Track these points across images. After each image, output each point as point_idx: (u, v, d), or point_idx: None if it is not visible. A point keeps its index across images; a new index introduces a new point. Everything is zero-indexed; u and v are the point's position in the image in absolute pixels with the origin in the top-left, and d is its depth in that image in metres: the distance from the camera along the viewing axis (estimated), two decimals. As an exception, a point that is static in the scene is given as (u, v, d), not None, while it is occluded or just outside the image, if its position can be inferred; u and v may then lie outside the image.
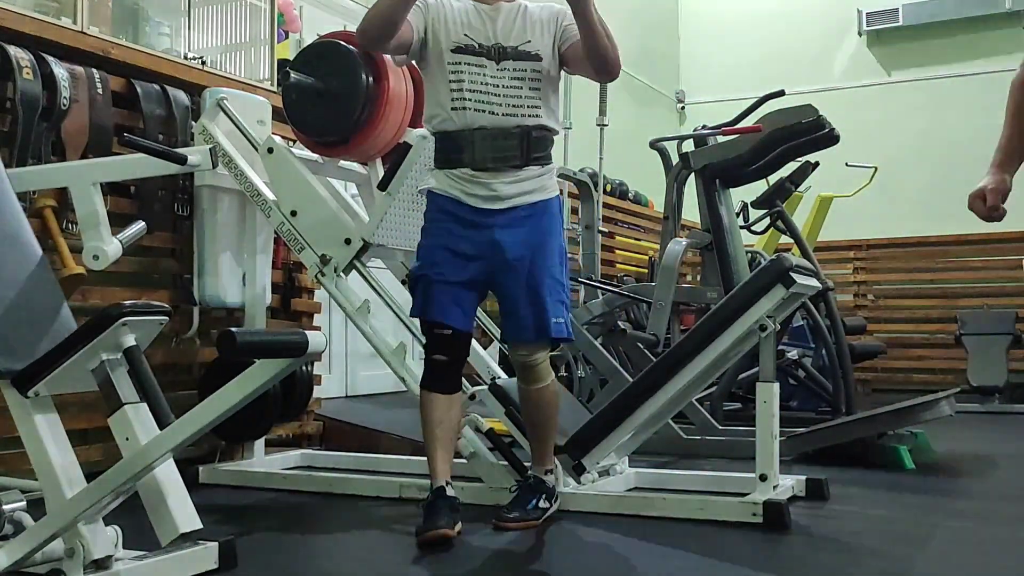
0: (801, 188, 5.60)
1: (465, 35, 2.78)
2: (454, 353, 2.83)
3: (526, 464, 3.12)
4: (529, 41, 2.81)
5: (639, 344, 4.70)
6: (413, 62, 2.92)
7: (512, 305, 2.84)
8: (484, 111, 2.76)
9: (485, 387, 3.25)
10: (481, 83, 2.76)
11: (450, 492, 2.79)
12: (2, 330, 2.09)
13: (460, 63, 2.76)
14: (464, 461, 3.23)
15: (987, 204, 2.26)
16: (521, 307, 2.82)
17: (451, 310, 2.80)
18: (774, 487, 2.95)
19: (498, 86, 2.77)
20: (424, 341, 2.90)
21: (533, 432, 3.00)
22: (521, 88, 2.78)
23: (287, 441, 4.22)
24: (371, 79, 3.37)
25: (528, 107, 2.79)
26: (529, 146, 2.80)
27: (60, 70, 3.18)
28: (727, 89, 8.99)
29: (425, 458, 2.89)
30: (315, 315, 4.34)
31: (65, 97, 3.17)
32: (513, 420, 3.17)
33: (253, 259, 3.69)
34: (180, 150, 3.15)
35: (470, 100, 2.75)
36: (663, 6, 9.99)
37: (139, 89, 3.50)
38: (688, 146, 5.21)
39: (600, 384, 4.71)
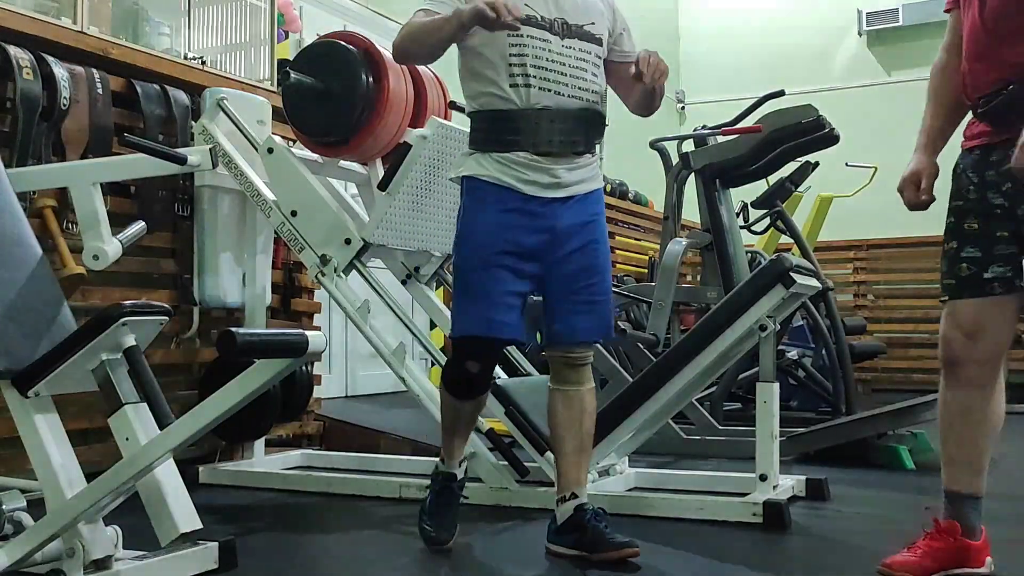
0: (801, 188, 5.59)
1: (527, 4, 2.48)
2: (492, 361, 2.65)
3: (526, 464, 3.12)
4: (593, 23, 2.57)
5: (639, 344, 4.70)
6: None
7: (569, 302, 2.55)
8: (550, 90, 2.48)
9: (485, 387, 3.24)
10: (547, 59, 2.48)
11: (459, 475, 2.74)
12: (2, 330, 2.09)
13: (523, 35, 2.46)
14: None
15: (921, 189, 2.31)
16: (580, 304, 2.55)
17: (512, 321, 2.52)
18: (774, 487, 2.96)
19: (564, 64, 2.50)
20: (453, 349, 2.65)
21: (577, 443, 2.60)
22: (586, 69, 2.53)
23: (287, 441, 4.22)
24: (371, 79, 3.37)
25: (592, 91, 2.54)
26: (592, 131, 2.57)
27: (60, 70, 3.18)
28: (727, 89, 8.98)
29: (440, 448, 2.78)
30: (315, 315, 4.34)
31: (65, 97, 3.17)
32: (513, 420, 3.17)
33: (253, 259, 3.69)
34: (180, 150, 3.15)
35: (534, 77, 2.46)
36: (663, 6, 9.99)
37: (139, 89, 3.50)
38: (688, 146, 5.21)
39: (600, 384, 4.71)
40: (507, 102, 2.48)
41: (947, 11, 2.37)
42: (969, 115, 2.31)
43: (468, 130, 2.66)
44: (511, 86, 2.47)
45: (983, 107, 2.18)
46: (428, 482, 2.82)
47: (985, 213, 2.22)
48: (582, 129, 2.53)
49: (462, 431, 2.72)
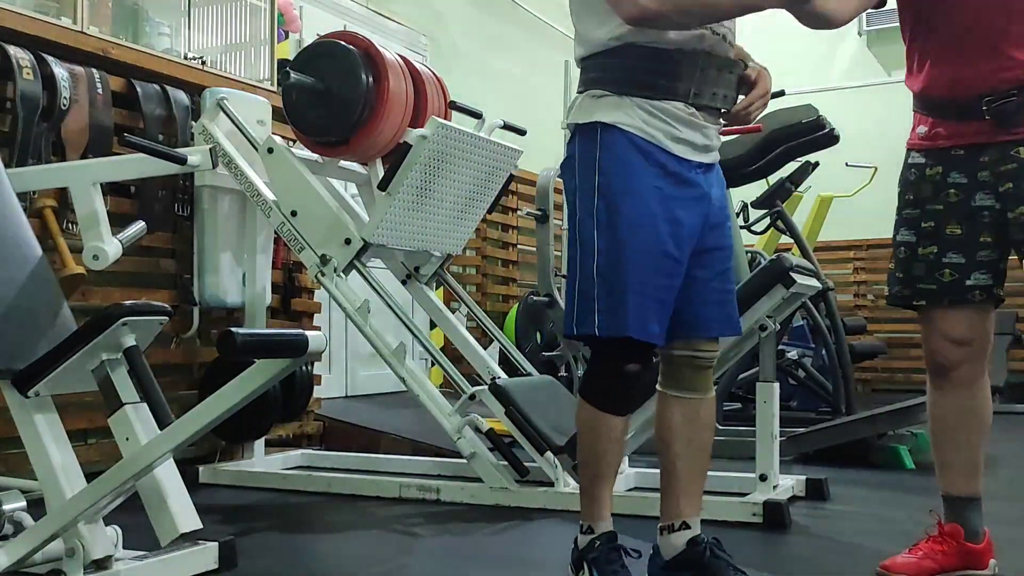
0: (801, 188, 5.60)
1: None
2: (648, 357, 2.10)
3: (526, 464, 3.12)
4: None
5: (639, 344, 4.69)
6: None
7: (707, 291, 2.11)
8: (716, 32, 2.04)
9: (485, 387, 3.25)
10: None
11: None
12: (2, 330, 2.09)
13: None
14: (464, 461, 3.24)
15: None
16: (719, 293, 2.13)
17: (664, 320, 2.03)
18: (774, 487, 2.96)
19: None
20: (596, 349, 2.12)
21: (696, 462, 2.17)
22: None
23: (287, 441, 4.22)
24: (371, 79, 3.37)
25: (734, 38, 2.11)
26: (738, 86, 2.09)
27: (60, 70, 3.18)
28: (727, 89, 8.98)
29: (583, 507, 2.14)
30: (315, 315, 4.34)
31: (65, 97, 3.17)
32: (513, 420, 3.17)
33: (253, 259, 3.69)
34: (180, 150, 3.15)
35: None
36: None
37: (139, 89, 3.50)
38: (688, 146, 5.20)
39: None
40: (662, 34, 1.98)
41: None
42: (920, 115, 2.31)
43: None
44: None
45: (991, 106, 2.12)
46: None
47: (969, 217, 2.18)
48: (734, 84, 2.08)
49: (614, 465, 2.13)
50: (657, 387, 2.19)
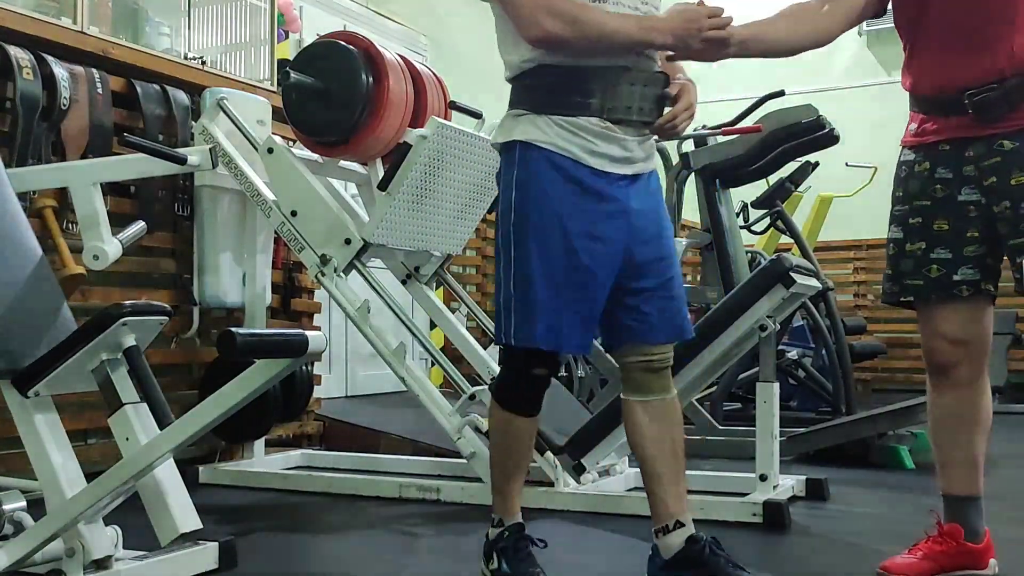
0: (801, 188, 5.60)
1: None
2: (555, 364, 2.22)
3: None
4: None
5: (639, 344, 4.70)
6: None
7: (648, 298, 2.16)
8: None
9: (485, 387, 3.25)
10: (627, 6, 2.08)
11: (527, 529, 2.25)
12: (2, 330, 2.09)
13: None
14: (464, 461, 3.24)
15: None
16: (660, 300, 2.17)
17: (580, 331, 2.12)
18: (774, 487, 2.96)
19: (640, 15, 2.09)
20: (507, 355, 2.22)
21: (672, 462, 2.19)
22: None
23: (287, 441, 4.22)
24: (371, 79, 3.37)
25: (659, 52, 2.16)
26: (663, 98, 2.13)
27: (60, 70, 3.18)
28: (727, 89, 8.99)
29: (493, 501, 2.27)
30: (315, 315, 4.34)
31: (65, 97, 3.17)
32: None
33: (253, 259, 3.69)
34: (180, 150, 3.15)
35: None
36: (663, 6, 9.98)
37: (139, 89, 3.50)
38: (688, 146, 5.22)
39: (600, 384, 4.72)
40: (576, 57, 2.06)
41: None
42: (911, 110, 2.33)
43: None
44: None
45: (973, 100, 2.13)
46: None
47: (956, 212, 2.19)
48: (656, 97, 2.11)
49: (523, 463, 2.25)
50: (621, 396, 2.24)
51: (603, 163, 2.09)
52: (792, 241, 5.54)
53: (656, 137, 2.22)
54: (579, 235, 2.07)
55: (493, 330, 2.20)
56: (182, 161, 3.06)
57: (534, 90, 2.11)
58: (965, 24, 2.13)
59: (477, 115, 3.65)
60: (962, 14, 2.12)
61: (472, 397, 3.20)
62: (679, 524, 2.16)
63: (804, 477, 3.32)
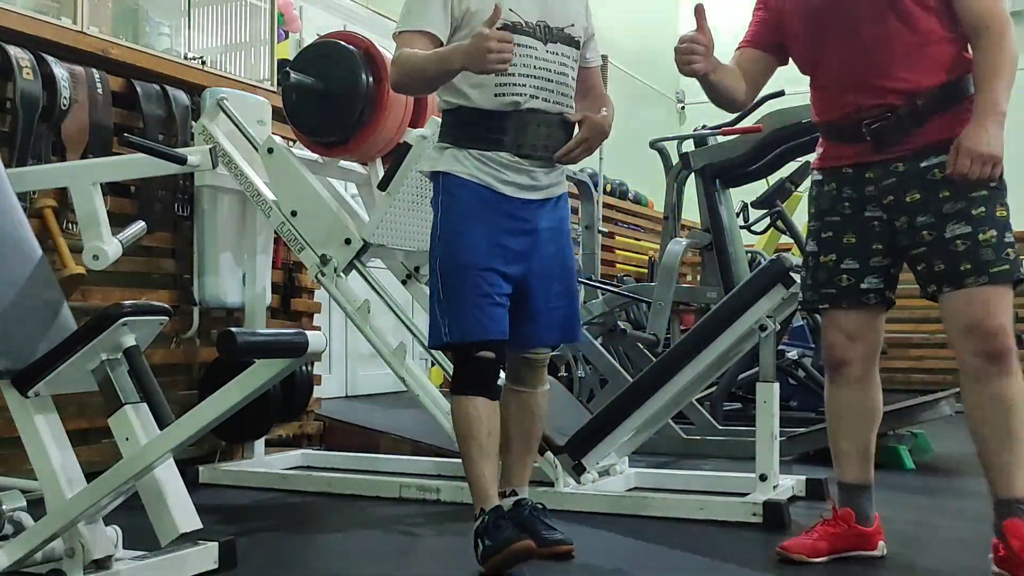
0: (801, 188, 5.59)
1: (511, 10, 2.42)
2: (499, 349, 2.50)
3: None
4: (572, 25, 2.54)
5: (639, 344, 4.71)
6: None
7: (542, 306, 2.54)
8: (537, 96, 2.45)
9: (485, 387, 3.24)
10: (534, 66, 2.45)
11: (508, 503, 2.55)
12: (2, 330, 2.09)
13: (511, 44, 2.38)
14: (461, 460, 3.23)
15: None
16: (552, 307, 2.55)
17: (500, 319, 2.46)
18: (774, 487, 2.96)
19: (549, 70, 2.47)
20: (455, 351, 2.53)
21: (524, 443, 2.64)
22: (566, 75, 2.51)
23: (287, 441, 4.22)
24: (371, 79, 3.37)
25: (570, 96, 2.53)
26: (568, 137, 2.52)
27: (60, 70, 3.18)
28: (727, 89, 8.98)
29: (472, 489, 2.48)
30: (315, 315, 4.34)
31: (65, 97, 3.17)
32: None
33: (253, 259, 3.69)
34: (180, 150, 3.15)
35: (521, 85, 2.43)
36: (663, 6, 9.99)
37: (139, 89, 3.50)
38: (688, 146, 5.22)
39: (600, 384, 4.72)
40: (493, 102, 2.44)
41: (740, 48, 2.59)
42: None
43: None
44: (497, 95, 2.42)
45: (870, 128, 2.32)
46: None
47: (862, 227, 2.39)
48: (562, 135, 2.50)
49: (492, 447, 2.47)
50: (505, 382, 2.63)
51: (513, 190, 2.47)
52: (792, 241, 5.54)
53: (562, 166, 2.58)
54: (495, 245, 2.44)
55: (434, 337, 2.51)
56: (182, 161, 3.06)
57: (457, 127, 2.49)
58: (855, 68, 2.35)
59: (477, 115, 3.65)
60: (852, 60, 2.35)
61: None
62: (514, 492, 2.61)
63: (804, 477, 3.32)
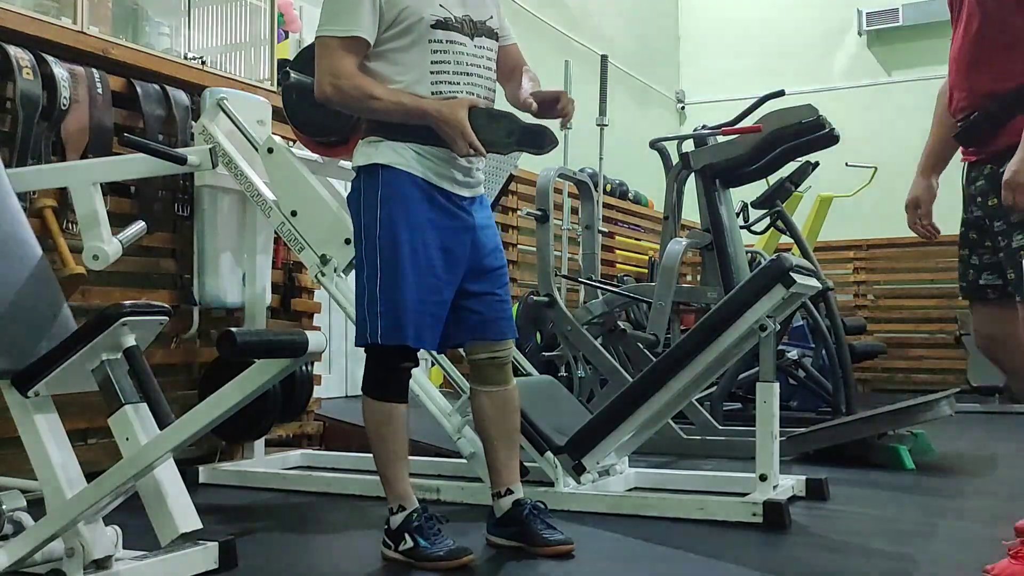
0: (801, 188, 5.60)
1: (441, 6, 2.42)
2: (416, 357, 2.55)
3: (525, 464, 3.12)
4: (491, 17, 2.54)
5: (639, 344, 4.70)
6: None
7: (489, 302, 2.55)
8: (472, 92, 2.45)
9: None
10: (465, 63, 2.45)
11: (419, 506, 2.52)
12: (2, 330, 2.09)
13: (443, 40, 2.42)
14: (464, 461, 3.23)
15: (919, 214, 2.58)
16: (499, 302, 2.57)
17: (436, 330, 2.46)
18: (774, 487, 2.95)
19: (478, 65, 2.48)
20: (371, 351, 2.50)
21: (508, 441, 2.63)
22: (491, 68, 2.53)
23: (287, 441, 4.22)
24: (371, 79, 3.36)
25: (493, 90, 2.54)
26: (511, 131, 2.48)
27: (60, 70, 3.18)
28: (727, 89, 8.99)
29: (387, 494, 2.52)
30: (315, 315, 4.34)
31: (65, 97, 3.17)
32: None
33: (253, 259, 3.69)
34: (180, 150, 3.15)
35: (453, 83, 2.43)
36: (663, 6, 9.99)
37: (139, 89, 3.50)
38: (688, 146, 5.21)
39: (600, 384, 4.71)
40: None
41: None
42: None
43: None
44: (433, 93, 2.41)
45: (958, 130, 2.37)
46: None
47: (976, 225, 2.42)
48: (506, 128, 2.45)
49: (405, 447, 2.53)
50: (470, 385, 2.66)
51: (451, 185, 2.46)
52: (792, 241, 5.54)
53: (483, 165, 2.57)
54: (435, 247, 2.42)
55: (364, 334, 2.45)
56: (182, 161, 3.06)
57: (391, 123, 2.42)
58: (958, 65, 2.37)
59: (477, 115, 3.65)
60: (957, 57, 2.38)
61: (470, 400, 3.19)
62: (509, 491, 2.61)
63: (804, 477, 3.32)
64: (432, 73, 2.41)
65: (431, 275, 2.42)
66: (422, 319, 2.41)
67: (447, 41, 2.42)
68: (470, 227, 2.50)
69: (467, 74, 2.45)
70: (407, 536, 2.43)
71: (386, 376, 2.47)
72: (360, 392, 2.56)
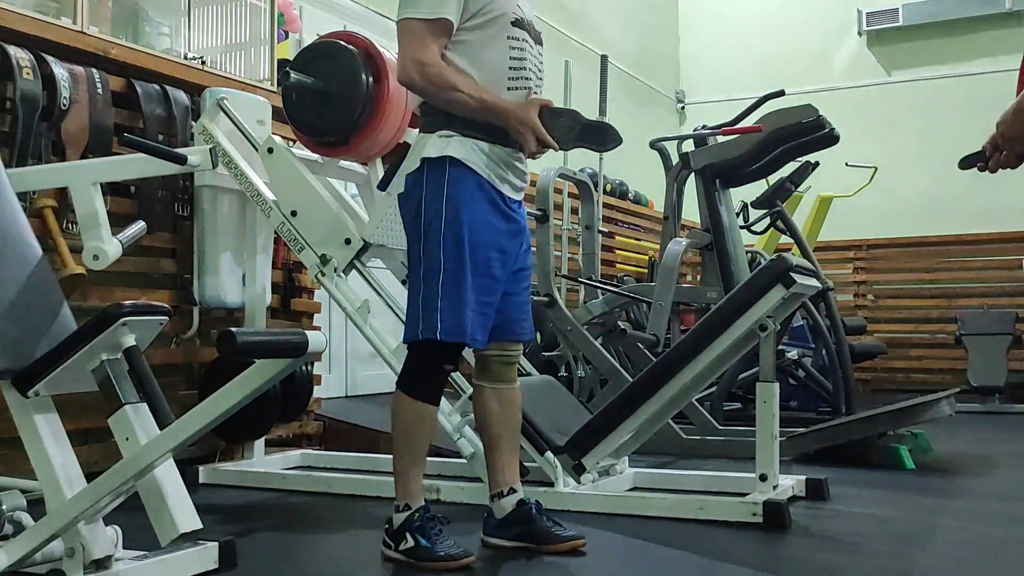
0: (801, 188, 5.60)
1: (518, 6, 2.46)
2: (458, 363, 2.57)
3: (525, 464, 3.12)
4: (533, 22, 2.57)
5: (639, 344, 4.70)
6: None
7: (521, 304, 2.60)
8: (537, 92, 2.47)
9: (485, 387, 3.24)
10: (534, 64, 2.49)
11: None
12: (2, 330, 2.09)
13: (519, 39, 2.45)
14: (464, 461, 3.24)
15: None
16: (523, 304, 2.62)
17: (488, 332, 2.48)
18: (774, 487, 2.96)
19: (540, 69, 2.52)
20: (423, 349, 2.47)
21: (511, 440, 2.63)
22: (543, 72, 2.56)
23: (287, 441, 4.22)
24: (371, 79, 3.37)
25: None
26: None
27: (60, 70, 3.18)
28: (727, 89, 8.98)
29: (399, 492, 2.48)
30: (315, 315, 4.34)
31: (65, 97, 3.17)
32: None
33: (253, 259, 3.69)
34: (180, 150, 3.15)
35: (528, 79, 2.45)
36: (663, 6, 9.99)
37: (139, 89, 3.50)
38: (688, 146, 5.22)
39: (600, 384, 4.72)
40: (505, 96, 2.42)
41: None
42: None
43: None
44: (509, 90, 2.42)
45: None
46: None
47: None
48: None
49: (427, 449, 2.51)
50: (474, 381, 2.64)
51: (508, 189, 2.47)
52: (792, 241, 5.54)
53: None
54: (494, 248, 2.44)
55: (420, 330, 2.40)
56: (182, 161, 3.05)
57: (456, 115, 2.40)
58: None
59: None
60: None
61: (472, 397, 3.19)
62: (512, 490, 2.60)
63: (804, 477, 3.32)
64: (511, 70, 2.43)
65: (489, 276, 2.42)
66: (478, 319, 2.41)
67: (522, 40, 2.45)
68: (519, 230, 2.53)
69: (537, 76, 2.49)
70: (408, 535, 2.42)
71: (429, 375, 2.45)
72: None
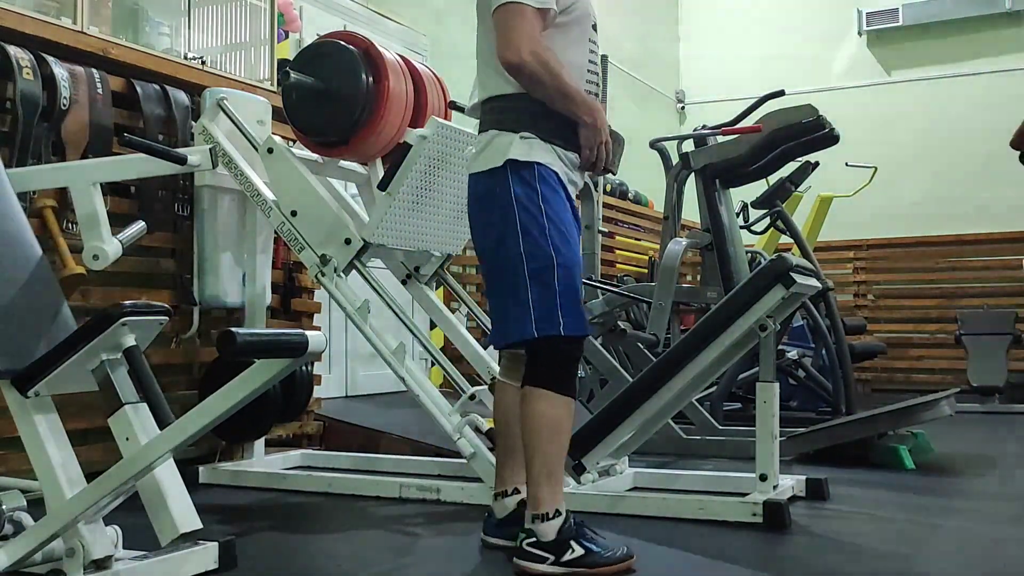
0: (801, 188, 5.60)
1: (594, 11, 2.49)
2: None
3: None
4: None
5: (639, 344, 4.70)
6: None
7: None
8: (597, 96, 2.50)
9: (485, 387, 3.25)
10: (598, 70, 2.53)
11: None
12: (2, 330, 2.09)
13: (595, 43, 2.48)
14: (464, 461, 3.24)
15: None
16: None
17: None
18: (774, 487, 2.96)
19: (599, 74, 2.54)
20: (555, 350, 2.40)
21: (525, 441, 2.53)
22: None
23: (287, 441, 4.22)
24: (371, 79, 3.37)
25: None
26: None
27: (60, 70, 3.18)
28: (727, 89, 8.99)
29: (543, 495, 2.37)
30: (315, 315, 4.34)
31: (65, 97, 3.17)
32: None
33: (253, 259, 3.69)
34: (180, 150, 3.15)
35: (597, 84, 2.50)
36: (663, 6, 9.99)
37: (139, 89, 3.50)
38: (688, 146, 5.22)
39: (600, 384, 4.72)
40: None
41: None
42: None
43: (480, 123, 2.50)
44: (585, 92, 2.40)
45: None
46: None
47: None
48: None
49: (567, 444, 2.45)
50: (499, 379, 2.63)
51: (573, 191, 2.50)
52: (792, 241, 5.54)
53: None
54: (576, 243, 2.45)
55: (537, 327, 2.35)
56: (182, 161, 3.05)
57: (543, 118, 2.38)
58: None
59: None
60: None
61: (472, 397, 3.20)
62: (516, 491, 2.59)
63: (804, 477, 3.32)
64: (589, 72, 2.44)
65: (578, 270, 2.44)
66: (582, 310, 2.43)
67: (595, 43, 2.47)
68: (579, 227, 2.54)
69: (599, 77, 2.50)
70: (573, 544, 2.31)
71: (571, 368, 2.42)
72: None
